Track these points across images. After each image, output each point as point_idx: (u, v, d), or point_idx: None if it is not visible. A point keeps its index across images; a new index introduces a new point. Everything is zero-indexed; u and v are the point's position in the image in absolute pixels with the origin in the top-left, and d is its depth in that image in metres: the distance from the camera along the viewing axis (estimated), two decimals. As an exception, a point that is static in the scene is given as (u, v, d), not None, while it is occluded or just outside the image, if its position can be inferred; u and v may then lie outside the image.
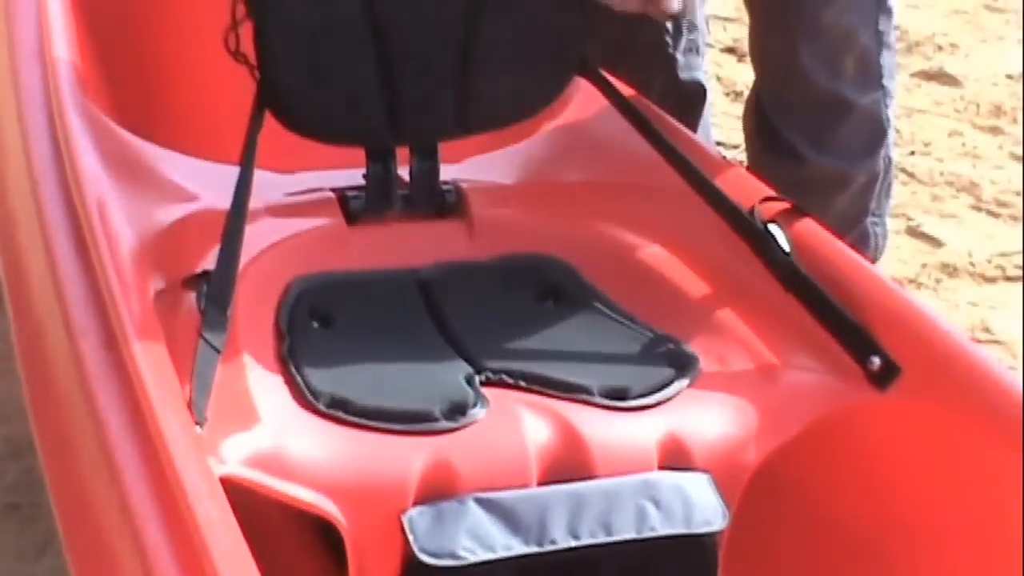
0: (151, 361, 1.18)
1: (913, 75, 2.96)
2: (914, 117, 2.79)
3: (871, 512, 1.42)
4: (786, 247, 1.41)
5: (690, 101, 1.99)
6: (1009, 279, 2.31)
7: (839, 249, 1.47)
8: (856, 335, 1.35)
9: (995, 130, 2.70)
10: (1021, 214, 2.47)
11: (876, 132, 1.85)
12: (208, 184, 1.48)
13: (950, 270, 2.31)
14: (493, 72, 1.48)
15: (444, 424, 1.23)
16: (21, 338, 1.50)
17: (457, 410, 1.24)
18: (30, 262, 1.48)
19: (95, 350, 1.24)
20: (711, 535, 1.26)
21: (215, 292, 1.25)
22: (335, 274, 1.43)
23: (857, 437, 1.40)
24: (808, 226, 1.47)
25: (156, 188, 1.48)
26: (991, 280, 2.31)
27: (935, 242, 2.36)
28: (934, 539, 1.38)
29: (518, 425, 1.24)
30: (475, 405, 1.25)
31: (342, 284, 1.42)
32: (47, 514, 1.39)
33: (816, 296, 1.39)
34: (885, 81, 1.85)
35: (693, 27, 2.01)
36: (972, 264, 2.32)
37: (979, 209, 2.46)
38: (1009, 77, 2.98)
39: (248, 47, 1.42)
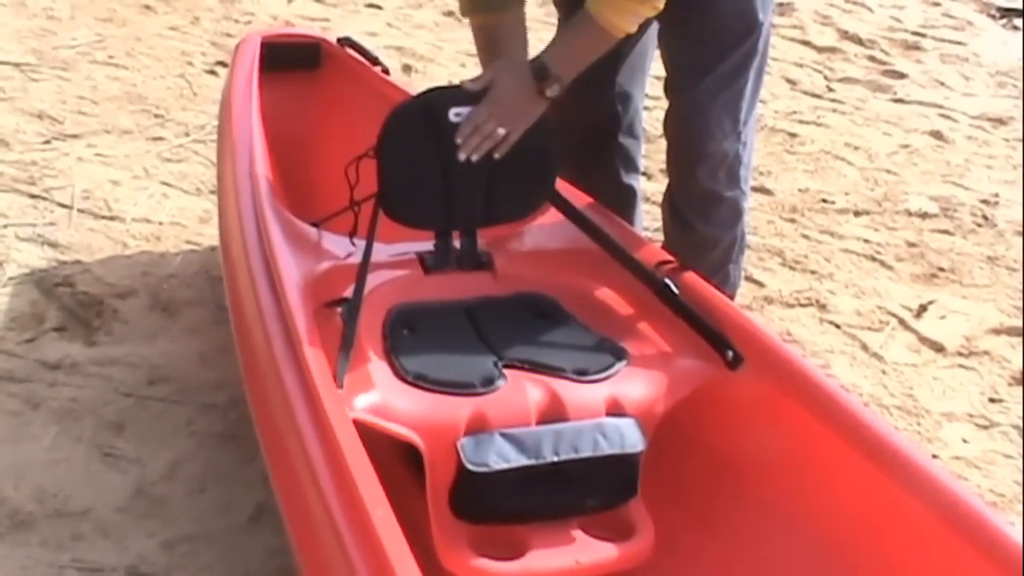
0: (312, 350, 1.83)
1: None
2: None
3: (728, 449, 2.05)
4: (675, 290, 2.11)
5: (627, 200, 2.64)
6: (802, 306, 3.07)
7: (709, 289, 2.15)
8: (717, 337, 2.03)
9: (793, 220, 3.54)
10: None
11: (736, 213, 2.49)
12: (341, 248, 2.18)
13: (769, 300, 3.09)
14: (503, 195, 2.19)
15: (480, 390, 1.88)
16: (240, 338, 2.18)
17: (487, 382, 1.90)
18: (245, 296, 2.16)
19: (280, 343, 1.92)
20: (635, 455, 1.90)
21: (351, 310, 1.94)
22: (417, 303, 2.10)
23: (719, 401, 2.01)
24: (689, 275, 2.17)
25: (313, 253, 2.16)
26: (792, 307, 3.07)
27: (759, 284, 3.16)
28: (763, 465, 2.00)
29: (523, 391, 1.89)
30: (498, 379, 1.91)
31: (421, 309, 2.09)
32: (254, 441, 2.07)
33: (692, 315, 2.07)
34: (742, 183, 2.47)
35: (630, 142, 2.65)
36: (782, 296, 3.11)
37: (784, 266, 3.27)
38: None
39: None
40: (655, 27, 2.45)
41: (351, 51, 3.06)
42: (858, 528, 1.84)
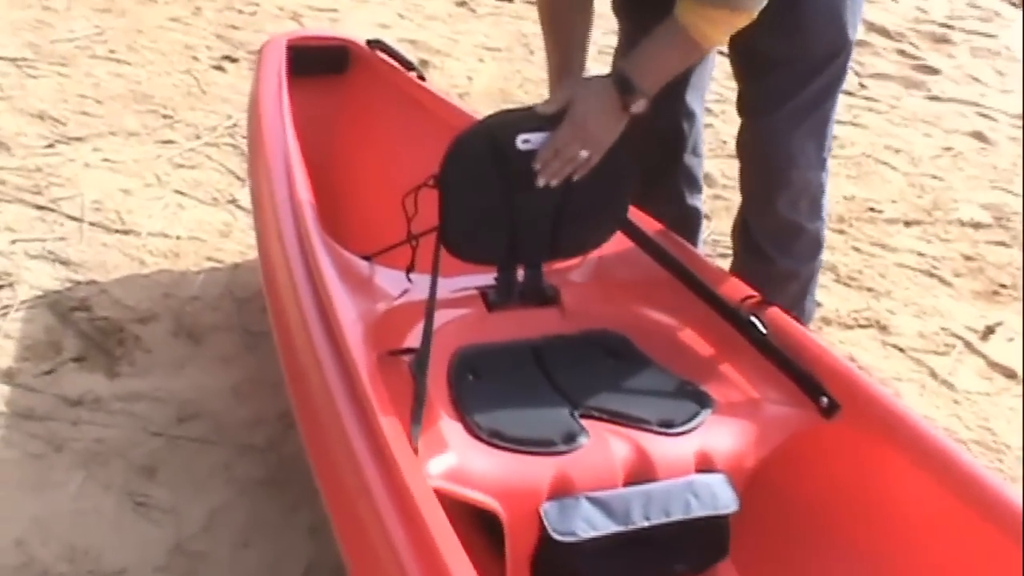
0: (382, 409, 1.66)
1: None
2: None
3: (823, 504, 1.89)
4: (763, 329, 1.96)
5: (692, 222, 2.50)
6: (862, 327, 2.91)
7: (797, 327, 1.99)
8: (810, 383, 1.86)
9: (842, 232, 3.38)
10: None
11: (817, 245, 2.34)
12: (396, 285, 2.02)
13: (827, 321, 2.92)
14: (573, 225, 2.01)
15: (562, 447, 1.73)
16: (293, 385, 1.99)
17: (569, 438, 1.74)
18: (298, 339, 1.97)
19: (344, 397, 1.74)
20: (727, 515, 1.77)
21: (420, 364, 1.76)
22: (482, 345, 1.95)
23: (813, 453, 1.87)
24: (775, 312, 2.01)
25: (368, 291, 2.00)
26: (851, 328, 2.93)
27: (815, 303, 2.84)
28: (862, 518, 1.85)
29: (608, 448, 1.74)
30: (580, 434, 1.76)
31: (486, 351, 1.94)
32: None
33: (783, 358, 1.91)
34: (823, 213, 2.33)
35: (694, 161, 2.51)
36: (839, 316, 2.94)
37: (839, 282, 3.11)
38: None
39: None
40: None
41: (382, 54, 2.87)
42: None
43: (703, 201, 2.56)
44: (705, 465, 1.80)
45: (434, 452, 1.70)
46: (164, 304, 2.71)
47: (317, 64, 2.85)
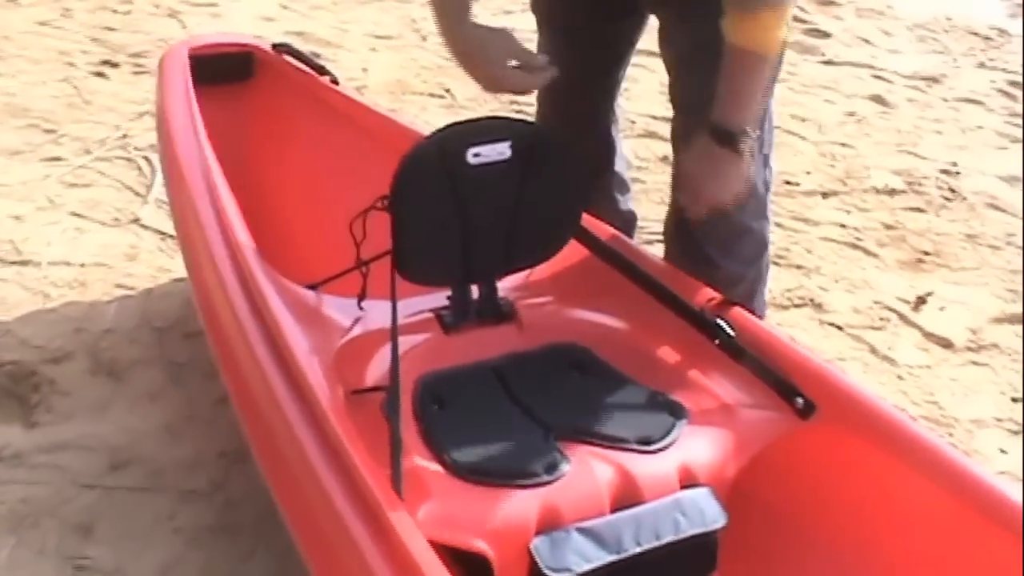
0: (361, 457, 1.55)
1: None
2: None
3: (805, 505, 1.84)
4: (730, 331, 1.88)
5: (629, 226, 2.43)
6: (797, 306, 2.88)
7: (764, 327, 1.93)
8: (784, 384, 1.81)
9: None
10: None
11: (763, 244, 2.23)
12: (348, 315, 1.90)
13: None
14: (527, 237, 1.93)
15: (545, 478, 1.64)
16: (253, 431, 1.87)
17: (552, 467, 1.65)
18: (252, 381, 1.84)
19: (314, 444, 1.63)
20: (716, 531, 1.69)
21: (392, 403, 1.65)
22: (442, 371, 1.84)
23: (792, 455, 1.81)
24: (740, 313, 1.93)
25: (320, 325, 1.87)
26: (786, 308, 2.88)
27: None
28: (847, 519, 1.80)
29: (592, 474, 1.65)
30: (562, 462, 1.67)
31: (448, 377, 1.84)
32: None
33: (753, 360, 1.84)
34: (768, 212, 2.23)
35: (623, 165, 2.45)
36: (774, 297, 2.85)
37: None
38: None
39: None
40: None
41: (289, 58, 2.73)
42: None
43: (632, 200, 2.48)
44: (688, 480, 1.73)
45: (418, 498, 1.60)
46: (77, 340, 2.53)
47: (220, 72, 2.69)
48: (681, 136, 2.23)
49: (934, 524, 1.74)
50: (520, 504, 1.63)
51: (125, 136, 3.40)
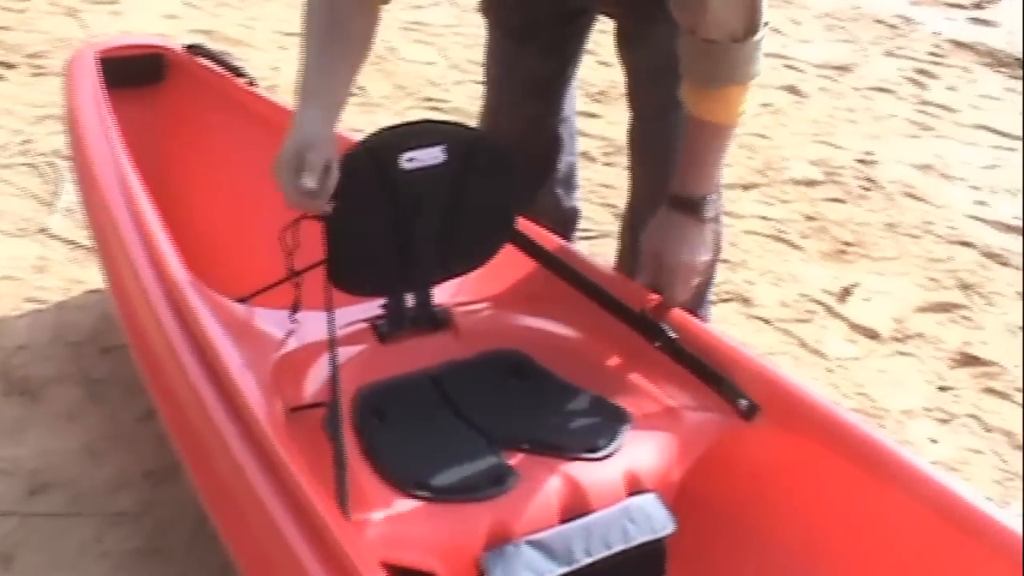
0: (302, 475, 1.49)
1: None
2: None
3: (751, 506, 1.82)
4: (671, 333, 1.85)
5: (570, 224, 2.42)
6: (725, 301, 2.83)
7: (705, 328, 1.89)
8: (727, 386, 1.78)
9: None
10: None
11: (717, 238, 2.05)
12: (280, 328, 1.83)
13: None
14: (462, 242, 1.89)
15: (493, 491, 1.60)
16: (187, 451, 1.79)
17: (498, 480, 1.62)
18: (184, 399, 1.76)
19: (252, 464, 1.56)
20: (665, 538, 1.67)
21: (333, 420, 1.59)
22: (380, 382, 1.79)
23: (736, 457, 1.79)
24: (679, 314, 1.91)
25: (254, 340, 1.79)
26: (714, 303, 2.76)
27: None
28: (794, 518, 1.79)
29: (540, 486, 1.62)
30: (508, 474, 1.63)
31: (386, 389, 1.78)
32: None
33: (695, 362, 1.81)
34: (720, 213, 2.07)
35: (570, 161, 2.40)
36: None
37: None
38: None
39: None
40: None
41: (203, 59, 2.64)
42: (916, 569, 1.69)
43: (578, 198, 2.45)
44: (635, 487, 1.71)
45: (365, 517, 1.54)
46: (-14, 359, 2.42)
47: (131, 75, 2.59)
48: (639, 143, 2.20)
49: (881, 521, 1.72)
50: (468, 519, 1.59)
51: (27, 141, 3.26)
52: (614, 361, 1.93)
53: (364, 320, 1.90)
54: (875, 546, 1.74)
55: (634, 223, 2.25)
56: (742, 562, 1.85)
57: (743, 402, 1.79)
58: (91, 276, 2.62)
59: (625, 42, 2.12)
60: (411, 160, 1.80)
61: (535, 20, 2.17)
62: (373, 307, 1.91)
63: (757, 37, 1.79)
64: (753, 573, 1.84)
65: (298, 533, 1.50)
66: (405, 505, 1.60)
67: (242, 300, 1.89)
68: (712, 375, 1.82)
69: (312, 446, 1.61)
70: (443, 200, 1.86)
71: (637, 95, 2.16)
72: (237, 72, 2.59)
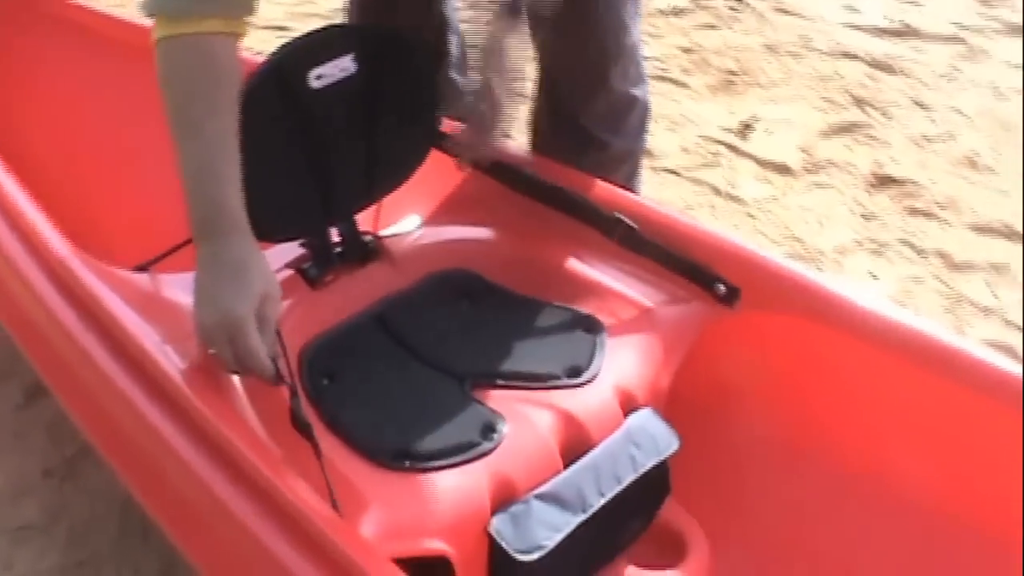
0: (274, 467, 1.27)
1: None
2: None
3: (745, 396, 1.70)
4: (631, 223, 1.66)
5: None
6: None
7: (667, 214, 1.69)
8: (701, 272, 1.62)
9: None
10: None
11: (645, 113, 2.03)
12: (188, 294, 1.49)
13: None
14: (386, 158, 1.65)
15: (486, 445, 1.41)
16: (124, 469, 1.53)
17: (485, 430, 1.43)
18: (99, 394, 1.50)
19: (210, 471, 1.31)
20: (671, 456, 1.52)
21: (300, 415, 1.32)
22: (321, 336, 1.56)
23: (723, 347, 1.65)
24: (636, 200, 1.72)
25: (167, 313, 1.51)
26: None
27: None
28: (790, 401, 1.67)
29: (534, 428, 1.44)
30: (497, 421, 1.44)
31: (330, 343, 1.56)
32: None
33: (663, 251, 1.64)
34: (645, 75, 2.02)
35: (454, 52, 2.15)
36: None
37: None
38: None
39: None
40: None
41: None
42: (908, 432, 1.59)
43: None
44: (629, 405, 1.54)
45: (357, 511, 1.31)
46: None
47: None
48: (567, 22, 1.92)
49: (877, 385, 1.61)
50: (467, 484, 1.38)
51: None
52: (571, 264, 1.73)
53: (286, 266, 1.62)
54: (875, 410, 1.62)
55: (555, 118, 2.02)
56: (746, 458, 1.71)
57: (721, 287, 1.62)
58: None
59: None
60: (320, 78, 1.52)
61: None
62: (289, 249, 1.64)
63: None
64: (759, 467, 1.71)
65: (287, 544, 1.25)
66: (393, 483, 1.38)
67: (141, 269, 1.58)
68: (683, 263, 1.65)
69: (265, 419, 1.37)
70: (359, 114, 1.59)
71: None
72: None
